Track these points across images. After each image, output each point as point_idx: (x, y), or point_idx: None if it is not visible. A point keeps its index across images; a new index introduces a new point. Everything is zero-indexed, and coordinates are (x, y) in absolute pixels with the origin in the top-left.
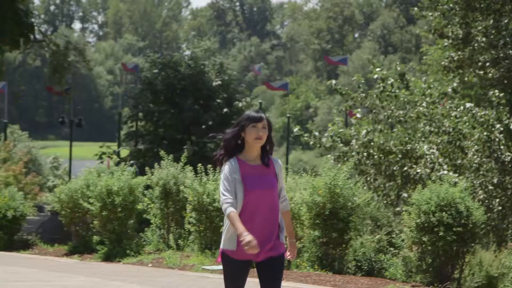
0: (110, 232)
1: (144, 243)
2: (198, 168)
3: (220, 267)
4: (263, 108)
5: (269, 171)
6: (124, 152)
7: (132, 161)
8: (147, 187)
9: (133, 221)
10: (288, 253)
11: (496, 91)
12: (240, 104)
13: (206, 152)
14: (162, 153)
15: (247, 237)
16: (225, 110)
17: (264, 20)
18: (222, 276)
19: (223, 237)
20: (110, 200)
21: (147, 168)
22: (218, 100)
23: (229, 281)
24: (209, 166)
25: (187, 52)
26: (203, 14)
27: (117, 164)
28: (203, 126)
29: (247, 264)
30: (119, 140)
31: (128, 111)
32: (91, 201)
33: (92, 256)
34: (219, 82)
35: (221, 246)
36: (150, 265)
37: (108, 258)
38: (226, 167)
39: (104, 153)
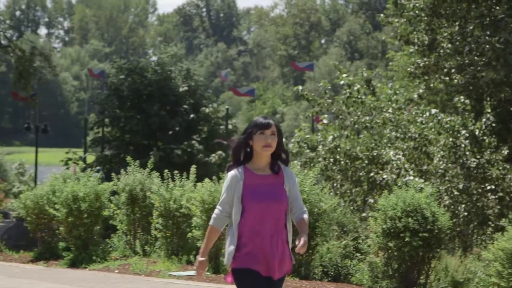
0: (76, 238)
1: (111, 249)
2: (165, 174)
3: (187, 273)
4: (230, 113)
5: (278, 182)
6: (90, 158)
7: (98, 167)
8: (113, 193)
9: (99, 227)
10: (297, 247)
11: (462, 97)
12: (207, 110)
13: (173, 158)
14: (128, 158)
15: (199, 259)
16: (191, 115)
17: (231, 26)
18: (188, 282)
19: (227, 252)
20: (76, 206)
21: (113, 174)
22: (185, 106)
23: None
24: (176, 172)
25: (154, 58)
26: (170, 20)
27: (83, 170)
28: (170, 132)
29: (258, 275)
30: (85, 146)
31: (94, 117)
32: (57, 207)
33: (58, 263)
34: (186, 88)
35: (226, 262)
36: (116, 271)
37: (74, 264)
38: (229, 176)
39: (70, 159)
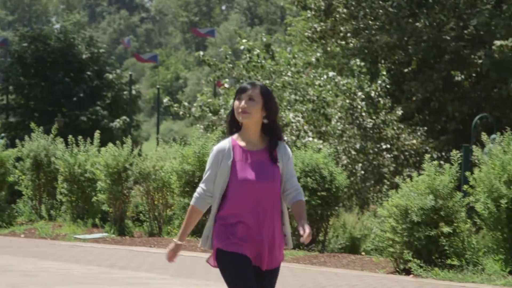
0: None
1: (16, 214)
2: (69, 140)
3: (92, 235)
4: (134, 79)
5: (270, 159)
6: None
7: (2, 134)
8: (18, 159)
9: (5, 193)
10: (302, 235)
11: (357, 60)
12: (111, 76)
13: (78, 124)
14: (32, 125)
15: (175, 241)
16: (95, 82)
17: None
18: (94, 244)
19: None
20: None
21: (17, 141)
22: (89, 73)
23: (234, 282)
24: (80, 137)
25: (57, 26)
26: None
27: None
28: (74, 99)
29: (246, 259)
30: None
31: None
32: None
33: None
34: (89, 55)
35: (200, 244)
36: (22, 236)
37: None
38: (214, 149)
39: None
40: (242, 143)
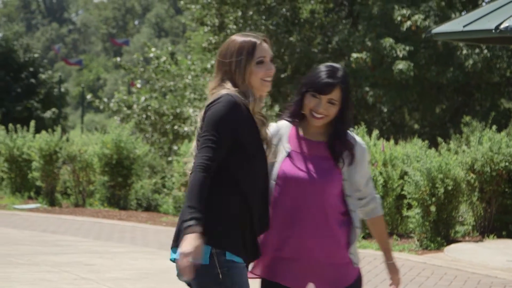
0: None
1: None
2: (9, 128)
3: (28, 206)
4: (62, 79)
5: (331, 154)
6: None
7: None
8: None
9: None
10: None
11: None
12: (43, 76)
13: (15, 115)
14: None
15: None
16: (31, 80)
17: (62, 9)
18: (30, 213)
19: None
20: None
21: None
22: (25, 73)
23: None
24: (18, 125)
25: (0, 34)
26: (12, 4)
27: None
28: (13, 93)
29: None
30: None
31: None
32: None
33: None
34: (26, 59)
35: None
36: None
37: None
38: (274, 125)
39: None
40: (302, 129)
